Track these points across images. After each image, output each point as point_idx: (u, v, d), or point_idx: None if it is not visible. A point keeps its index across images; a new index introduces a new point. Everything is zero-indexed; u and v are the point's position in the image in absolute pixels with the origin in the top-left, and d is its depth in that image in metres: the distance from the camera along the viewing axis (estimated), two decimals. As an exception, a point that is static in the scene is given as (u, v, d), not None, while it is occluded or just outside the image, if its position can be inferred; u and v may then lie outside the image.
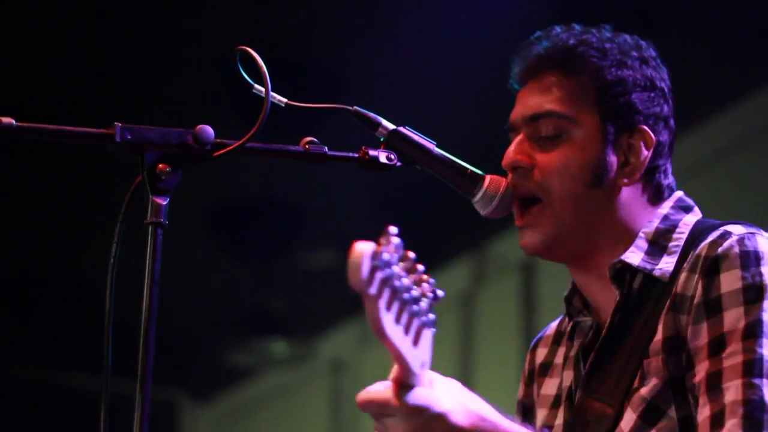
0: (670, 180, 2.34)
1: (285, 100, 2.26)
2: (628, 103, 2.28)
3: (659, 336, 2.16)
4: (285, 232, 6.73)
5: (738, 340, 2.07)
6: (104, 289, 2.06)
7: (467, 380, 6.64)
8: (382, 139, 2.30)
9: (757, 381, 2.04)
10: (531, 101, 2.31)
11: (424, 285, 1.75)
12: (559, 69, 2.30)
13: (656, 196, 2.32)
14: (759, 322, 2.07)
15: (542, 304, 6.26)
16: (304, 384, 8.18)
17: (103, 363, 2.05)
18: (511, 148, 2.31)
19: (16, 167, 5.94)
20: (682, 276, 2.17)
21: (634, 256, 2.24)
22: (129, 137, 2.07)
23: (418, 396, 1.77)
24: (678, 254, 2.23)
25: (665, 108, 2.33)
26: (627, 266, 2.24)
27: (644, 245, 2.26)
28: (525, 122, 2.31)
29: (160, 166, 2.06)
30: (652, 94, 2.31)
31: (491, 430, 1.85)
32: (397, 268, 1.68)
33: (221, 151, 2.12)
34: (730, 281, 2.11)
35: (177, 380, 8.24)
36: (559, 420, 2.34)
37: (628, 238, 2.28)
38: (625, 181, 2.28)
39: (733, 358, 2.07)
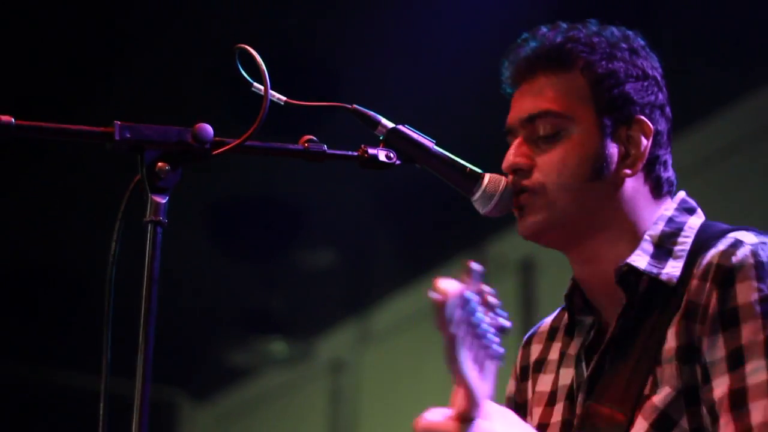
0: (670, 173, 2.33)
1: (284, 98, 2.26)
2: (622, 95, 2.27)
3: (672, 344, 2.15)
4: (285, 232, 6.72)
5: (760, 356, 2.06)
6: (103, 288, 2.06)
7: (467, 380, 6.63)
8: (381, 138, 2.30)
9: None
10: (526, 103, 2.31)
11: (493, 315, 1.78)
12: (550, 68, 2.29)
13: (657, 189, 2.31)
14: None
15: (542, 304, 6.26)
16: (303, 384, 8.18)
17: (102, 363, 2.05)
18: (510, 151, 2.30)
19: (15, 166, 5.93)
20: (693, 283, 2.16)
21: (640, 259, 2.23)
22: (128, 135, 2.07)
23: (479, 429, 1.79)
24: (684, 258, 2.22)
25: (660, 96, 2.32)
26: (633, 269, 2.23)
27: (650, 248, 2.24)
28: (522, 124, 2.31)
29: (160, 164, 2.06)
30: (646, 83, 2.30)
31: None
32: (474, 304, 1.71)
33: (220, 150, 2.12)
34: (745, 293, 2.10)
35: (176, 380, 8.24)
36: (556, 418, 2.33)
37: (630, 233, 2.27)
38: (628, 172, 2.27)
39: (756, 375, 2.05)
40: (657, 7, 4.72)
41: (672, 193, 2.34)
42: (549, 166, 2.26)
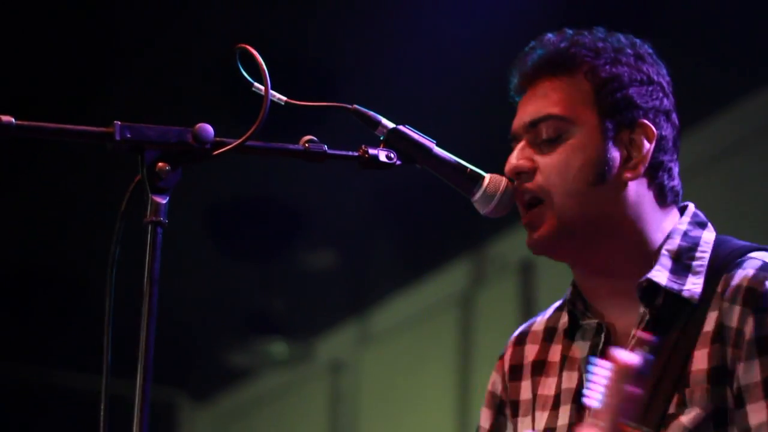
0: (675, 182, 2.32)
1: (285, 98, 2.25)
2: (625, 98, 2.27)
3: (702, 366, 2.16)
4: (285, 233, 6.72)
5: None
6: (104, 288, 2.06)
7: (466, 380, 6.64)
8: (381, 138, 2.29)
9: None
10: (529, 108, 2.31)
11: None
12: (554, 72, 2.30)
13: (661, 196, 2.30)
14: None
15: (541, 304, 6.24)
16: (303, 385, 8.18)
17: (102, 363, 2.05)
18: (513, 154, 2.31)
19: (15, 166, 5.93)
20: (724, 306, 2.17)
21: (660, 274, 2.22)
22: (128, 136, 2.06)
23: None
24: (703, 275, 2.23)
25: (665, 102, 2.31)
26: (653, 284, 2.22)
27: (668, 263, 2.24)
28: (525, 129, 2.31)
29: (160, 164, 2.06)
30: (650, 88, 2.29)
31: None
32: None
33: (221, 150, 2.11)
34: None
35: (176, 381, 8.24)
36: (563, 421, 2.32)
37: (640, 244, 2.26)
38: (629, 175, 2.26)
39: None
40: (657, 7, 4.72)
41: (677, 203, 2.34)
42: (551, 169, 2.26)
